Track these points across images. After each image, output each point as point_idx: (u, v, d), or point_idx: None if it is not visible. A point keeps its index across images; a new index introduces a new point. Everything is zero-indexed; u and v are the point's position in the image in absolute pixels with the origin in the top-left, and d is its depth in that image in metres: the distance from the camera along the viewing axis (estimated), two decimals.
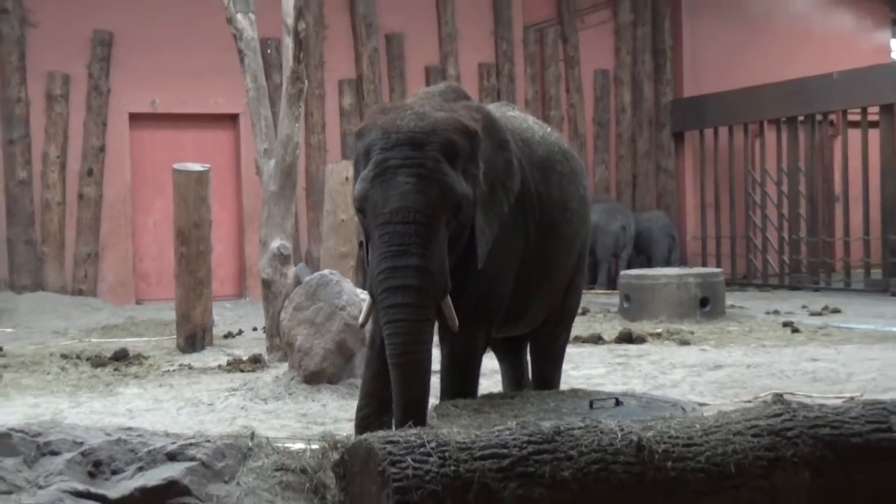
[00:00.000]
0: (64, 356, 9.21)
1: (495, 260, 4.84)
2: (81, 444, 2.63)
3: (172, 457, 2.65)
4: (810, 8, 19.79)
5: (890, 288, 14.69)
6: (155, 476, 2.56)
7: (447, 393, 4.94)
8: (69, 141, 14.86)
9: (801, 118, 16.32)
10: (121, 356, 9.00)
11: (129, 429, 2.77)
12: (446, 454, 2.69)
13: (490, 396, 5.40)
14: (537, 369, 5.96)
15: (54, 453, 2.59)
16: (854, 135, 15.87)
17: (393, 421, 4.42)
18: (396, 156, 4.38)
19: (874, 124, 15.42)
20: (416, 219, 4.32)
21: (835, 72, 15.94)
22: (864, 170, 15.55)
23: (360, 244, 4.73)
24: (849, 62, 16.96)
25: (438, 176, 4.37)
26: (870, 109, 15.46)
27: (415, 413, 4.28)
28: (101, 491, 2.49)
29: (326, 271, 7.76)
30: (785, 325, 10.87)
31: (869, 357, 8.46)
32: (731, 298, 13.05)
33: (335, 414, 6.32)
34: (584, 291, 6.70)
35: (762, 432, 3.11)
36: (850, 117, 15.99)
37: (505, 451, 2.76)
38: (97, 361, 8.82)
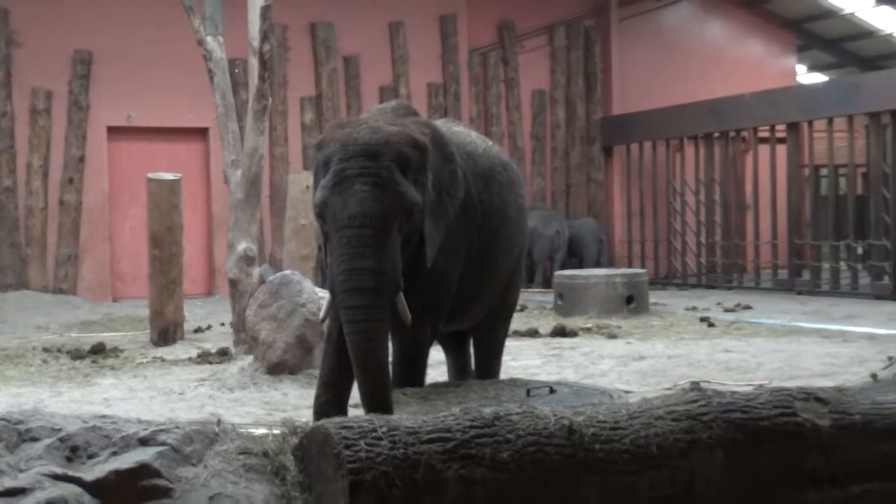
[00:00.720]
0: (46, 349, 9.12)
1: (442, 261, 4.85)
2: (60, 430, 2.60)
3: (144, 442, 2.62)
4: (724, 36, 20.00)
5: (795, 287, 14.88)
6: (128, 460, 2.52)
7: (397, 382, 4.93)
8: (51, 152, 14.77)
9: (716, 134, 16.49)
10: (98, 349, 8.93)
11: (105, 416, 2.73)
12: (396, 438, 2.68)
13: (436, 385, 5.41)
14: (479, 360, 5.97)
15: (34, 439, 2.55)
16: (763, 150, 16.06)
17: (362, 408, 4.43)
18: (353, 166, 4.37)
19: (781, 140, 15.61)
20: (371, 223, 4.33)
21: (746, 93, 16.14)
22: (773, 181, 15.74)
23: (320, 247, 4.73)
24: (759, 85, 17.18)
25: (392, 185, 4.38)
26: (777, 127, 15.64)
27: (380, 400, 4.30)
28: (77, 474, 2.45)
29: (288, 272, 7.77)
30: (702, 320, 10.98)
31: (776, 349, 8.58)
32: (654, 296, 13.14)
33: (295, 402, 6.29)
34: (521, 290, 6.71)
35: (681, 417, 3.13)
36: (760, 134, 16.18)
37: (449, 434, 2.76)
38: (76, 354, 8.74)
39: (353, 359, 4.38)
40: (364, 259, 4.32)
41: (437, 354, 6.09)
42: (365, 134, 4.46)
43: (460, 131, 5.58)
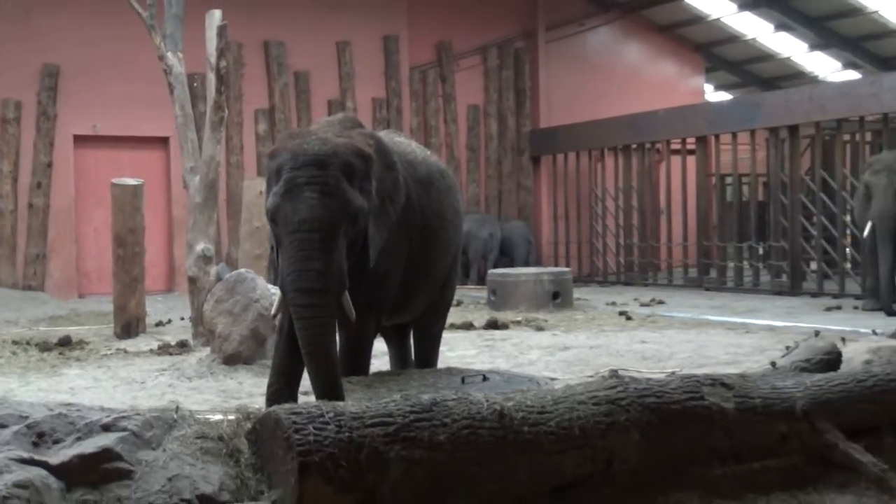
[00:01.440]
0: (15, 342, 8.93)
1: (384, 261, 4.85)
2: (27, 418, 2.56)
3: (107, 428, 2.59)
4: (641, 57, 20.21)
5: (703, 284, 15.09)
6: (91, 444, 2.49)
7: (344, 371, 4.92)
8: (20, 158, 14.57)
9: (633, 146, 16.67)
10: (65, 342, 8.77)
11: (70, 405, 2.70)
12: (341, 422, 2.68)
13: (379, 374, 5.40)
14: (418, 351, 5.98)
15: (2, 426, 2.50)
16: (675, 160, 16.27)
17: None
18: (304, 174, 4.36)
19: (691, 152, 15.81)
20: (319, 228, 4.32)
21: (660, 109, 16.34)
22: (683, 188, 15.96)
23: (272, 248, 4.71)
24: (671, 101, 17.41)
25: (338, 192, 4.37)
26: (688, 140, 15.85)
27: (330, 389, 4.31)
28: (43, 458, 2.41)
29: (243, 270, 7.72)
30: (620, 313, 11.07)
31: (686, 339, 8.65)
32: (578, 292, 13.22)
33: (249, 390, 6.23)
34: (457, 287, 6.73)
35: (601, 401, 3.15)
36: (673, 146, 16.40)
37: (391, 419, 2.76)
38: (44, 347, 8.57)
39: (304, 352, 4.37)
40: (313, 261, 4.32)
41: (380, 346, 6.09)
42: (314, 145, 4.45)
43: (401, 141, 5.59)
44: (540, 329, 9.80)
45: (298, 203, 4.34)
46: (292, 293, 4.37)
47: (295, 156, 4.43)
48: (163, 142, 15.25)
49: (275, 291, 5.49)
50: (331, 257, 4.36)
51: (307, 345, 4.35)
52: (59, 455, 2.43)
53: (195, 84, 12.71)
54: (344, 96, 16.76)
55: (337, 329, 4.84)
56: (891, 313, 10.25)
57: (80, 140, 14.96)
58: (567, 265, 16.85)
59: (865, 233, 10.98)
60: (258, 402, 4.87)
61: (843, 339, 5.05)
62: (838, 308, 11.44)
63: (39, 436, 2.49)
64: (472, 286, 15.33)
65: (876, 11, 18.72)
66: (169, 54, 9.17)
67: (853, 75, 20.08)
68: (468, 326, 9.78)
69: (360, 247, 4.66)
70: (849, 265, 13.57)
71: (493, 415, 2.90)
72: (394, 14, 17.26)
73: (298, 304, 4.35)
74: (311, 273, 4.32)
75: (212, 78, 8.67)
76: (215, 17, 8.65)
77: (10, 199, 14.43)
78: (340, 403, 2.90)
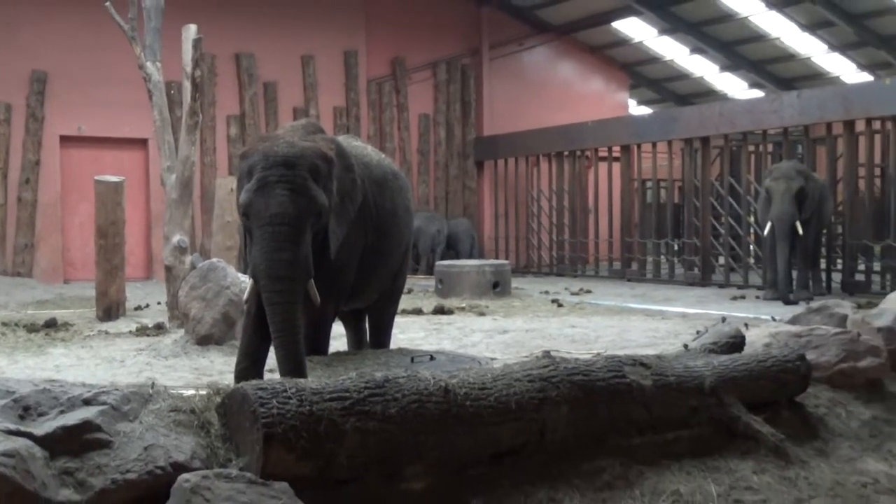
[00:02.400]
0: (4, 324, 8.75)
1: (342, 253, 4.84)
2: (13, 392, 2.50)
3: (88, 402, 2.54)
4: (573, 75, 20.36)
5: (626, 275, 15.25)
6: (73, 417, 2.44)
7: (305, 351, 4.89)
8: (10, 156, 14.34)
9: (565, 153, 16.78)
10: (51, 324, 8.63)
11: (54, 381, 2.64)
12: (303, 397, 2.66)
13: (338, 354, 5.38)
14: (373, 334, 5.97)
15: None
16: (603, 166, 16.43)
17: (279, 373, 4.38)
18: (274, 174, 4.35)
19: (616, 159, 15.97)
20: (288, 222, 4.32)
21: (589, 121, 16.47)
22: (609, 191, 16.11)
23: (243, 240, 4.70)
24: (599, 114, 17.57)
25: (305, 190, 4.37)
26: (614, 148, 16.01)
27: (296, 366, 4.30)
28: (29, 429, 2.36)
29: (215, 260, 7.70)
30: (553, 301, 11.16)
31: (610, 324, 8.76)
32: (516, 282, 13.30)
33: (220, 368, 6.18)
34: (408, 276, 6.71)
35: (535, 379, 3.16)
36: (600, 154, 16.53)
37: (347, 394, 2.74)
38: (31, 328, 8.43)
39: (274, 335, 4.36)
40: (283, 252, 4.31)
41: (338, 328, 6.07)
42: (283, 148, 4.44)
43: (358, 146, 5.58)
44: (482, 314, 9.84)
45: (270, 199, 4.32)
46: (264, 280, 4.35)
47: (266, 157, 4.41)
48: (142, 143, 15.07)
49: (245, 280, 5.45)
50: (299, 248, 4.35)
51: (277, 328, 4.33)
52: (43, 427, 2.38)
53: (172, 91, 12.56)
54: (308, 105, 16.69)
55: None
56: (788, 302, 10.45)
57: (65, 140, 14.76)
58: (506, 258, 16.90)
59: (766, 232, 11.18)
60: (227, 379, 4.82)
61: (746, 325, 5.12)
62: (742, 297, 11.64)
63: (25, 409, 2.44)
64: (422, 276, 15.34)
65: (778, 38, 19.08)
66: (148, 63, 9.06)
67: (757, 94, 20.41)
68: (418, 312, 9.79)
69: (322, 240, 4.64)
70: (752, 260, 13.81)
71: (439, 391, 2.90)
72: (353, 31, 17.22)
73: (270, 291, 4.33)
74: (281, 262, 4.31)
75: (187, 86, 8.59)
76: (191, 30, 8.58)
77: (1, 194, 14.25)
78: (302, 380, 2.88)
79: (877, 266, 12.49)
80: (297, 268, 4.34)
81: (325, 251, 4.66)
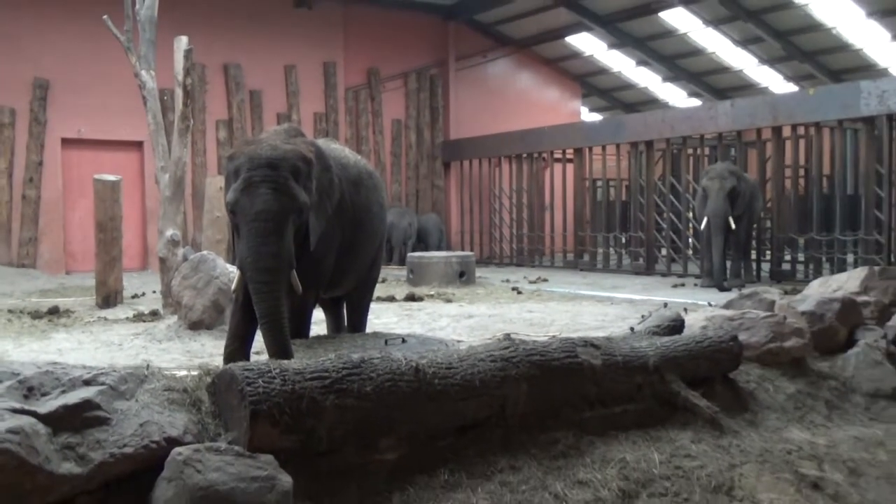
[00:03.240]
0: (10, 311, 8.64)
1: (321, 246, 4.82)
2: (18, 374, 2.46)
3: (88, 382, 2.52)
4: (530, 84, 20.40)
5: (578, 266, 15.33)
6: (74, 396, 2.42)
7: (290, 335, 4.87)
8: (15, 157, 14.08)
9: (524, 155, 16.81)
10: (53, 311, 8.52)
11: (56, 363, 2.61)
12: (286, 377, 2.65)
13: (318, 338, 5.35)
14: (350, 319, 5.95)
15: None
16: (558, 167, 16.50)
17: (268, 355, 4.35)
18: (259, 174, 4.34)
19: (570, 160, 16.03)
20: (272, 218, 4.30)
21: (546, 126, 16.52)
22: (564, 190, 16.18)
23: (232, 235, 4.68)
24: (554, 120, 17.65)
25: (287, 189, 4.35)
26: (567, 151, 16.05)
27: (282, 349, 4.29)
28: (33, 408, 2.34)
29: (205, 252, 7.62)
30: (513, 289, 11.18)
31: (564, 310, 8.79)
32: (479, 272, 13.32)
33: (210, 350, 6.13)
34: (382, 267, 6.69)
35: (497, 359, 3.18)
36: (556, 156, 16.59)
37: (327, 374, 2.74)
38: (36, 315, 8.32)
39: (260, 320, 4.35)
40: (267, 245, 4.30)
41: (318, 314, 6.04)
42: (266, 150, 4.42)
43: (336, 148, 5.54)
44: (449, 301, 9.85)
45: (255, 198, 4.30)
46: (251, 272, 4.33)
47: (251, 159, 4.39)
48: (138, 145, 14.86)
49: (233, 271, 5.40)
50: (282, 242, 4.33)
51: (264, 315, 4.31)
52: (46, 405, 2.35)
53: (165, 97, 12.40)
54: (290, 111, 16.59)
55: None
56: (722, 289, 10.55)
57: (66, 142, 14.52)
58: (471, 250, 16.93)
59: (703, 226, 11.28)
60: (217, 361, 4.79)
61: (686, 310, 5.18)
62: (682, 285, 11.74)
63: (29, 389, 2.41)
64: (395, 266, 15.31)
65: (714, 52, 19.26)
66: (143, 72, 8.94)
67: (696, 102, 20.59)
68: (391, 299, 9.78)
69: (303, 234, 4.62)
70: (690, 251, 13.94)
71: (410, 370, 2.90)
72: (332, 44, 17.13)
73: (257, 281, 4.31)
74: (266, 255, 4.29)
75: (179, 93, 8.49)
76: (182, 42, 8.49)
77: (6, 192, 13.99)
78: (285, 361, 2.87)
79: (801, 257, 12.68)
80: (281, 259, 4.32)
81: (306, 244, 4.64)
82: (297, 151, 4.50)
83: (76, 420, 2.36)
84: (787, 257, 12.69)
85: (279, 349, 4.25)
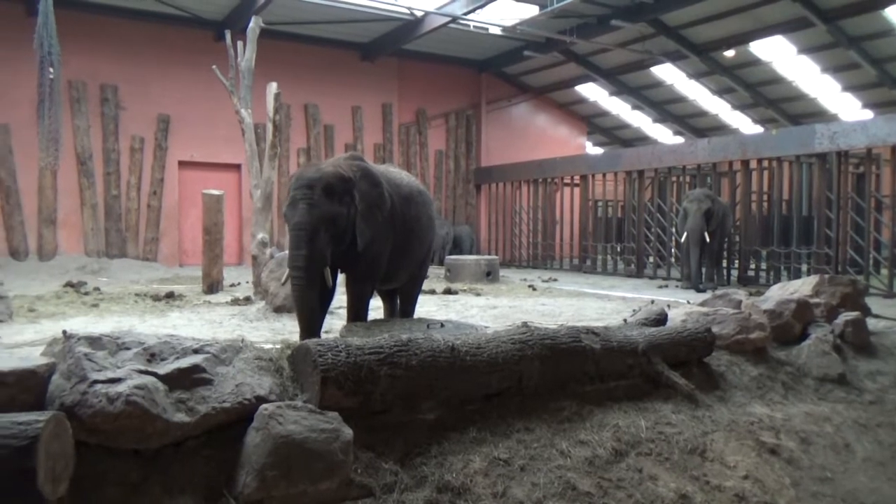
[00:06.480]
0: (136, 295, 8.82)
1: (375, 247, 4.81)
2: (143, 343, 2.51)
3: (196, 351, 2.55)
4: (545, 123, 20.28)
5: (582, 269, 15.20)
6: (186, 362, 2.45)
7: (350, 319, 4.89)
8: (142, 175, 14.30)
9: (540, 180, 16.73)
10: (169, 295, 8.68)
11: (172, 335, 2.65)
12: (349, 351, 2.67)
13: (375, 321, 5.36)
14: (402, 307, 5.95)
15: (127, 349, 2.46)
16: (567, 190, 16.40)
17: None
18: (300, 193, 4.43)
19: (577, 185, 15.91)
20: (305, 227, 4.36)
21: (558, 157, 16.41)
22: (571, 208, 16.07)
23: None
24: (565, 152, 17.53)
25: (319, 204, 4.39)
26: (575, 177, 15.95)
27: (307, 324, 4.44)
28: (154, 370, 2.38)
29: (287, 251, 7.65)
30: (529, 286, 11.13)
31: (570, 304, 8.75)
32: (503, 272, 13.30)
33: (290, 329, 6.18)
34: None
35: (516, 341, 3.17)
36: (566, 181, 16.48)
37: (381, 350, 2.75)
38: (156, 298, 8.48)
39: (294, 302, 4.52)
40: (300, 249, 4.38)
41: (375, 302, 6.07)
42: (310, 172, 4.53)
43: (394, 170, 5.53)
44: (478, 295, 9.84)
45: (294, 212, 4.41)
46: (289, 268, 4.47)
47: (297, 179, 4.51)
48: (237, 167, 15.04)
49: None
50: (313, 247, 4.38)
51: (294, 298, 4.51)
52: (164, 368, 2.39)
53: (259, 130, 12.59)
54: (355, 142, 16.66)
55: (346, 291, 4.88)
56: (698, 291, 10.41)
57: (182, 164, 14.72)
58: (496, 254, 16.89)
59: (683, 239, 11.13)
60: (295, 337, 4.84)
61: (669, 306, 5.11)
62: (666, 286, 11.59)
63: (151, 355, 2.46)
64: (435, 266, 15.33)
65: (695, 99, 19.01)
66: (242, 110, 9.08)
67: (680, 140, 20.32)
68: (432, 292, 9.80)
69: (350, 237, 4.63)
70: (673, 259, 13.76)
71: (447, 349, 2.91)
72: (389, 89, 17.19)
73: (292, 276, 4.45)
74: (299, 257, 4.38)
75: (270, 126, 8.60)
76: (273, 87, 8.60)
77: (136, 201, 14.22)
78: (349, 338, 2.88)
79: (763, 266, 12.45)
80: (311, 261, 4.38)
81: (354, 244, 4.65)
82: (335, 173, 4.52)
83: (187, 380, 2.39)
84: (752, 266, 12.47)
85: (303, 323, 4.45)
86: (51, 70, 8.42)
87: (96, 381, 2.19)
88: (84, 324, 6.38)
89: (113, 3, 13.65)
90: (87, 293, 9.00)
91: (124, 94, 14.02)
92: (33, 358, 2.33)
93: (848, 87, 16.78)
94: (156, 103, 14.31)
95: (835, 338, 4.58)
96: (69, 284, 10.00)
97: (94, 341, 2.41)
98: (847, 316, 4.82)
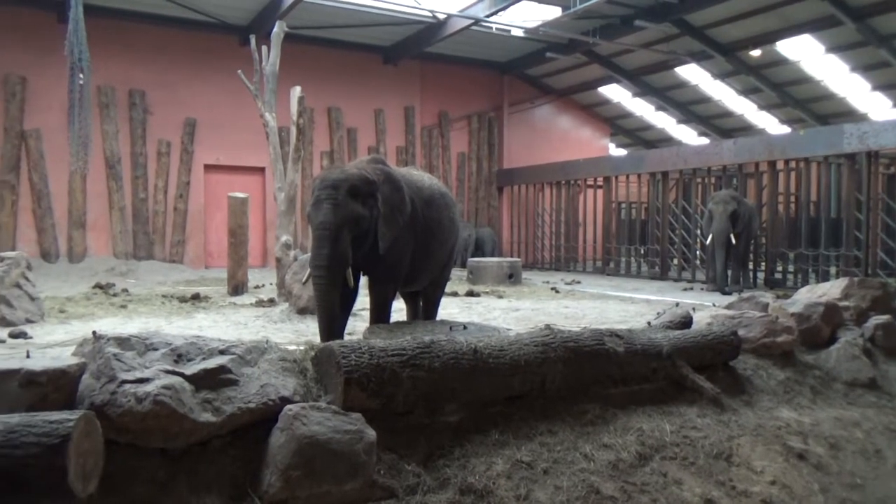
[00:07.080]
0: (163, 296, 8.94)
1: (397, 250, 4.83)
2: (170, 344, 2.54)
3: (222, 352, 2.57)
4: (569, 124, 20.20)
5: (605, 271, 15.11)
6: (212, 362, 2.48)
7: (373, 321, 4.91)
8: (169, 178, 14.48)
9: (563, 182, 16.67)
10: (195, 297, 8.79)
11: (199, 336, 2.68)
12: (372, 353, 2.67)
13: (397, 323, 5.37)
14: (424, 309, 5.96)
15: (154, 349, 2.49)
16: (590, 191, 16.31)
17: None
18: (324, 193, 4.45)
19: (600, 187, 15.82)
20: (329, 227, 4.38)
21: (581, 158, 16.33)
22: (594, 210, 15.99)
23: None
24: (588, 154, 17.43)
25: (343, 205, 4.42)
26: (598, 179, 15.86)
27: (327, 323, 4.44)
28: (181, 370, 2.40)
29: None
30: (552, 289, 11.10)
31: (594, 306, 8.71)
32: (525, 274, 13.26)
33: (314, 331, 6.21)
34: None
35: (539, 344, 3.15)
36: (588, 183, 16.40)
37: (404, 351, 2.75)
38: (182, 299, 8.59)
39: (316, 302, 4.51)
40: (323, 249, 4.39)
41: (398, 304, 6.08)
42: (334, 174, 4.55)
43: (416, 173, 5.54)
44: (500, 297, 9.82)
45: (318, 212, 4.43)
46: (311, 268, 4.48)
47: (321, 181, 4.53)
48: (261, 170, 15.17)
49: None
50: (336, 247, 4.40)
51: (316, 298, 4.50)
52: (191, 368, 2.42)
53: (283, 133, 12.70)
54: (378, 145, 16.73)
55: (368, 293, 4.89)
56: (724, 293, 10.30)
57: (208, 167, 14.89)
58: (518, 256, 16.85)
59: (708, 241, 11.01)
60: (318, 339, 4.88)
61: (694, 309, 5.05)
62: (691, 289, 11.49)
63: (178, 356, 2.48)
64: (458, 268, 15.33)
65: (720, 100, 18.79)
66: (267, 114, 9.16)
67: (704, 141, 20.10)
68: (454, 294, 9.81)
69: (372, 239, 4.64)
70: (698, 262, 13.61)
71: (470, 351, 2.90)
72: (411, 92, 17.23)
73: (314, 275, 4.46)
74: (322, 256, 4.39)
75: (293, 130, 8.67)
76: (297, 91, 8.66)
77: (163, 204, 14.40)
78: (372, 340, 2.89)
79: (791, 268, 12.25)
80: (333, 261, 4.39)
81: (376, 247, 4.67)
82: (359, 175, 4.54)
83: (213, 380, 2.42)
84: (780, 268, 12.29)
85: (323, 322, 4.43)
86: (81, 76, 8.61)
87: (125, 381, 2.22)
88: (113, 325, 6.49)
89: (141, 9, 13.88)
90: (115, 294, 9.15)
91: (152, 99, 14.24)
92: (64, 358, 2.38)
93: (878, 87, 16.47)
94: (182, 108, 14.50)
95: (865, 341, 4.49)
96: (98, 286, 10.18)
97: (123, 342, 2.45)
98: (877, 319, 4.72)
